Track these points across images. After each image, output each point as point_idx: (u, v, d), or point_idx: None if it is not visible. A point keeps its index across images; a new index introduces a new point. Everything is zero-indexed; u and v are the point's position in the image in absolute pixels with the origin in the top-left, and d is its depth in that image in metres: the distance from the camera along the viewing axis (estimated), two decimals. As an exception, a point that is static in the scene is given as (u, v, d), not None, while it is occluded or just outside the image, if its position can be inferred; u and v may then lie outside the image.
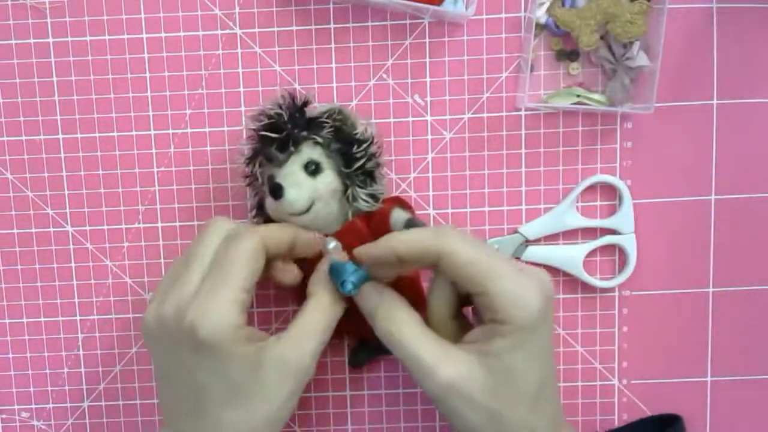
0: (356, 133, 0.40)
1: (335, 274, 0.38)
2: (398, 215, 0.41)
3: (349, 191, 0.40)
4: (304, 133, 0.39)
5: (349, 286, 0.37)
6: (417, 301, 0.39)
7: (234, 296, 0.36)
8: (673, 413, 0.45)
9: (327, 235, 0.40)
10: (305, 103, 0.40)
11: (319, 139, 0.40)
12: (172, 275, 0.38)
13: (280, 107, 0.39)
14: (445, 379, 0.35)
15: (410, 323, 0.37)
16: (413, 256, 0.36)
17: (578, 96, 0.44)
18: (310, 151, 0.40)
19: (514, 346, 0.35)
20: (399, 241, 0.36)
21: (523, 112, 0.45)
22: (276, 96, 0.40)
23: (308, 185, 0.39)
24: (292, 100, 0.40)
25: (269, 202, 0.40)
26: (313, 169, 0.39)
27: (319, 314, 0.38)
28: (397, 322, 0.37)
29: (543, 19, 0.44)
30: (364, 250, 0.38)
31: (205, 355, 0.35)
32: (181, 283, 0.37)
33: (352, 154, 0.40)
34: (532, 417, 0.36)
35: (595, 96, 0.44)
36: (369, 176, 0.41)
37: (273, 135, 0.39)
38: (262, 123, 0.39)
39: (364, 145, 0.40)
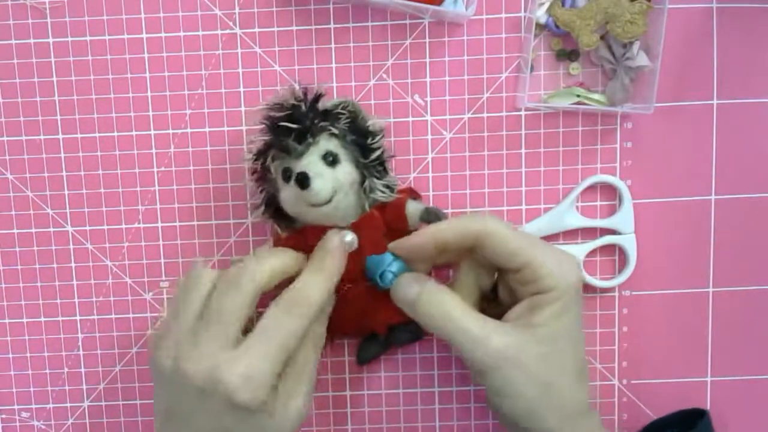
0: (369, 125, 0.41)
1: (372, 266, 0.39)
2: (414, 205, 0.42)
3: (367, 182, 0.40)
4: (323, 124, 0.39)
5: (389, 276, 0.38)
6: None
7: (274, 361, 0.36)
8: (700, 407, 0.45)
9: (344, 228, 0.41)
10: (320, 96, 0.40)
11: (335, 131, 0.40)
12: (190, 327, 0.37)
13: (297, 99, 0.40)
14: (496, 345, 0.36)
15: (457, 304, 0.38)
16: (456, 240, 0.37)
17: (578, 96, 0.44)
18: (326, 143, 0.40)
19: (560, 314, 0.37)
20: (441, 227, 0.38)
21: (523, 112, 0.45)
22: (279, 92, 0.40)
23: (330, 175, 0.39)
24: (305, 94, 0.40)
25: (288, 194, 0.40)
26: (331, 160, 0.39)
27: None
28: (446, 305, 0.37)
29: (543, 19, 0.44)
30: (401, 243, 0.39)
31: (237, 411, 0.36)
32: (210, 341, 0.36)
33: (367, 145, 0.40)
34: (577, 390, 0.38)
35: (595, 96, 0.44)
36: (383, 167, 0.41)
37: (292, 126, 0.39)
38: (281, 114, 0.39)
39: (378, 137, 0.40)
